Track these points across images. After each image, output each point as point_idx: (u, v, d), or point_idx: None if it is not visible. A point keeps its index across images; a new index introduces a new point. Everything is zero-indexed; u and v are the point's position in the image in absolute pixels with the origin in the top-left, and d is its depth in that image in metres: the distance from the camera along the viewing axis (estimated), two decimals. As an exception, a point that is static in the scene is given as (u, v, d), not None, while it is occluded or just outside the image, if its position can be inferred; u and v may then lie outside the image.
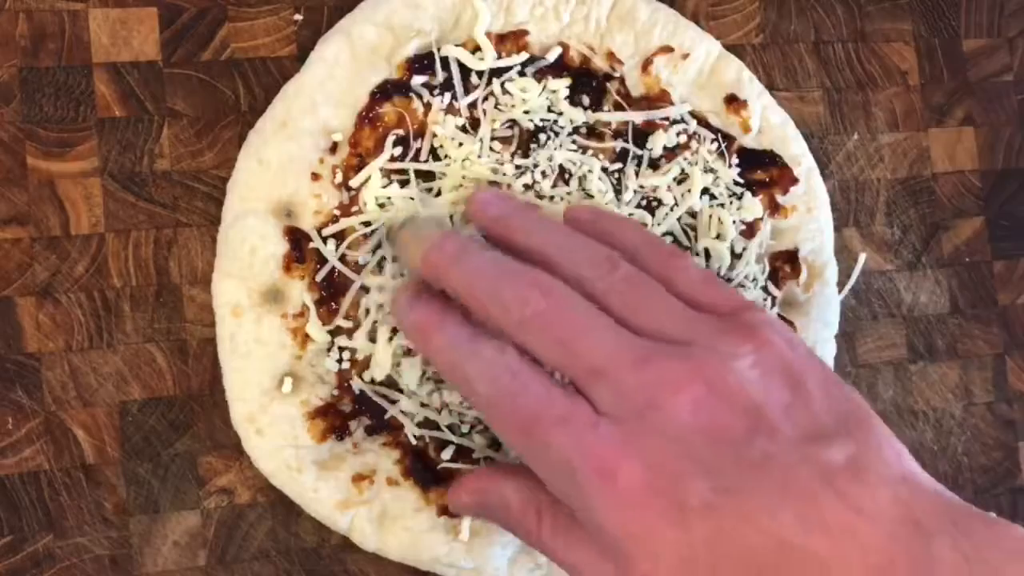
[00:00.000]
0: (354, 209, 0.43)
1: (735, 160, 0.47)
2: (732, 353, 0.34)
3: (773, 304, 0.47)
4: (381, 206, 0.43)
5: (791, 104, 0.50)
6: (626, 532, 0.32)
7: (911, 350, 0.52)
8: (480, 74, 0.44)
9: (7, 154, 0.42)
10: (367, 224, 0.42)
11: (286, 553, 0.43)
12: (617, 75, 0.46)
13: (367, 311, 0.42)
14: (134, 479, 0.42)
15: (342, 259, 0.42)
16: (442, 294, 0.38)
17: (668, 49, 0.47)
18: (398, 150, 0.43)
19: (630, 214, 0.45)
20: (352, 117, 0.43)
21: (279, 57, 0.45)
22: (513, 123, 0.45)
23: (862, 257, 0.50)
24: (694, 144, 0.46)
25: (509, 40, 0.45)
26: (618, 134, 0.46)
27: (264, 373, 0.42)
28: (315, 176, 0.42)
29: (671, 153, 0.46)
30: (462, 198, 0.43)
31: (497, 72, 0.44)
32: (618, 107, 0.46)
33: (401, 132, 0.43)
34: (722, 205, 0.46)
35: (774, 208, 0.48)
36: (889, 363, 0.51)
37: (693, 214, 0.46)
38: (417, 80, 0.44)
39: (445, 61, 0.44)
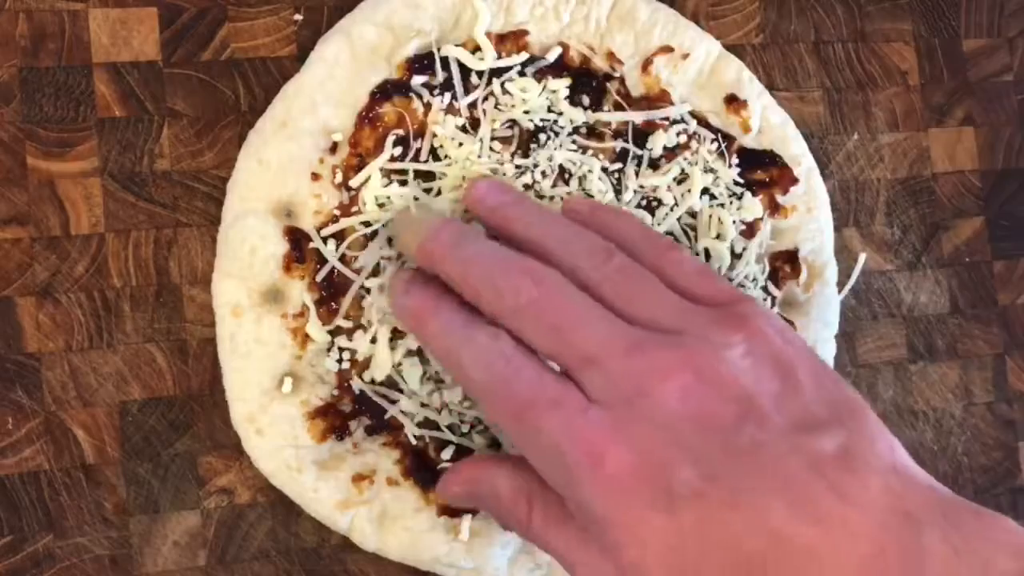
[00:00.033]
0: (354, 209, 0.43)
1: (735, 160, 0.47)
2: (723, 343, 0.34)
3: (773, 304, 0.47)
4: (381, 206, 0.43)
5: (791, 104, 0.50)
6: (614, 519, 0.32)
7: (911, 350, 0.52)
8: (480, 74, 0.44)
9: (7, 154, 0.42)
10: (367, 224, 0.42)
11: (286, 553, 0.43)
12: (617, 75, 0.46)
13: (367, 312, 0.42)
14: (134, 479, 0.42)
15: (342, 259, 0.42)
16: (438, 280, 0.38)
17: (668, 49, 0.47)
18: (398, 150, 0.43)
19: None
20: (352, 117, 0.43)
21: (279, 57, 0.45)
22: (513, 123, 0.45)
23: (862, 257, 0.50)
24: (694, 144, 0.46)
25: (509, 40, 0.45)
26: (618, 134, 0.46)
27: (264, 373, 0.42)
28: (315, 176, 0.42)
29: (671, 153, 0.46)
30: (460, 197, 0.43)
31: (497, 72, 0.44)
32: (618, 107, 0.46)
33: (401, 132, 0.43)
34: (722, 205, 0.46)
35: (774, 208, 0.48)
36: (889, 363, 0.51)
37: (693, 214, 0.46)
38: (417, 80, 0.44)
39: (445, 61, 0.44)
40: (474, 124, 0.44)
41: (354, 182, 0.43)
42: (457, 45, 0.44)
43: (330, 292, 0.42)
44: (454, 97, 0.44)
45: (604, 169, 0.45)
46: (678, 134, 0.46)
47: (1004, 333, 0.53)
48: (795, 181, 0.48)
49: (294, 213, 0.43)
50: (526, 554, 0.43)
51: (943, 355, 0.52)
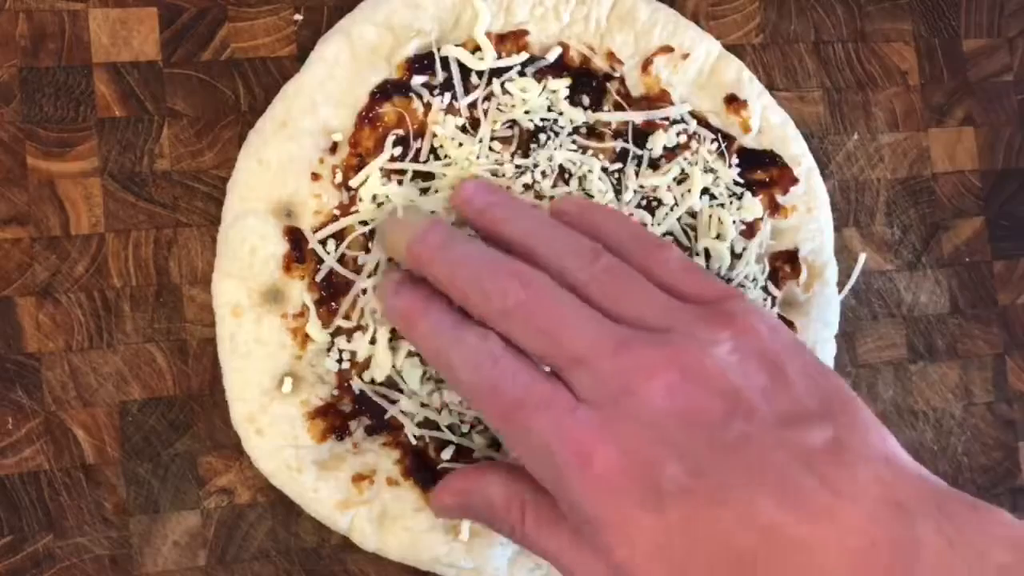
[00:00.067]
0: (354, 209, 0.43)
1: (735, 160, 0.47)
2: (710, 339, 0.34)
3: (773, 304, 0.47)
4: (380, 205, 0.43)
5: (791, 104, 0.50)
6: (603, 518, 0.32)
7: (911, 350, 0.52)
8: (480, 74, 0.44)
9: (7, 154, 0.42)
10: (365, 223, 0.42)
11: (286, 553, 0.43)
12: (617, 75, 0.46)
13: (366, 312, 0.42)
14: (134, 479, 0.42)
15: (342, 258, 0.42)
16: (427, 281, 0.38)
17: (668, 49, 0.47)
18: (398, 150, 0.43)
19: (630, 214, 0.45)
20: (352, 117, 0.43)
21: (279, 57, 0.45)
22: (513, 123, 0.45)
23: (862, 257, 0.50)
24: (694, 144, 0.46)
25: (509, 40, 0.45)
26: (618, 134, 0.46)
27: (264, 373, 0.42)
28: (315, 176, 0.42)
29: (671, 153, 0.46)
30: (461, 198, 0.43)
31: (497, 72, 0.44)
32: (618, 107, 0.46)
33: (401, 132, 0.43)
34: (722, 205, 0.46)
35: (774, 208, 0.48)
36: (889, 363, 0.51)
37: (693, 214, 0.46)
38: (417, 80, 0.44)
39: (445, 61, 0.44)
40: (474, 124, 0.44)
41: (354, 182, 0.43)
42: (457, 45, 0.44)
43: (330, 292, 0.42)
44: (454, 97, 0.44)
45: (604, 169, 0.45)
46: (678, 134, 0.46)
47: (1004, 333, 0.53)
48: (795, 181, 0.48)
49: (294, 213, 0.43)
50: (526, 555, 0.43)
51: (943, 355, 0.52)
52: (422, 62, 0.44)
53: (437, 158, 0.44)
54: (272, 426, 0.41)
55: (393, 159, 0.43)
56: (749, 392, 0.33)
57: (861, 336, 0.51)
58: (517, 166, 0.44)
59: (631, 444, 0.32)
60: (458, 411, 0.43)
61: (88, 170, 0.42)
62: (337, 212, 0.43)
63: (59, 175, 0.42)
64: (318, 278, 0.42)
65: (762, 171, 0.48)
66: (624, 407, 0.33)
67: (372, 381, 0.43)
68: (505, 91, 0.44)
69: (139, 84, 0.43)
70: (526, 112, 0.44)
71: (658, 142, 0.46)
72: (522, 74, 0.45)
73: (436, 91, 0.44)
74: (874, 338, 0.51)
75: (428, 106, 0.44)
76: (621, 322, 0.35)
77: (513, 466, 0.36)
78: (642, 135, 0.46)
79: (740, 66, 0.48)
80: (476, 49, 0.44)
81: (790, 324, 0.47)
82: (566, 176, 0.45)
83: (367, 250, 0.43)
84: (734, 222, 0.46)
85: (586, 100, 0.46)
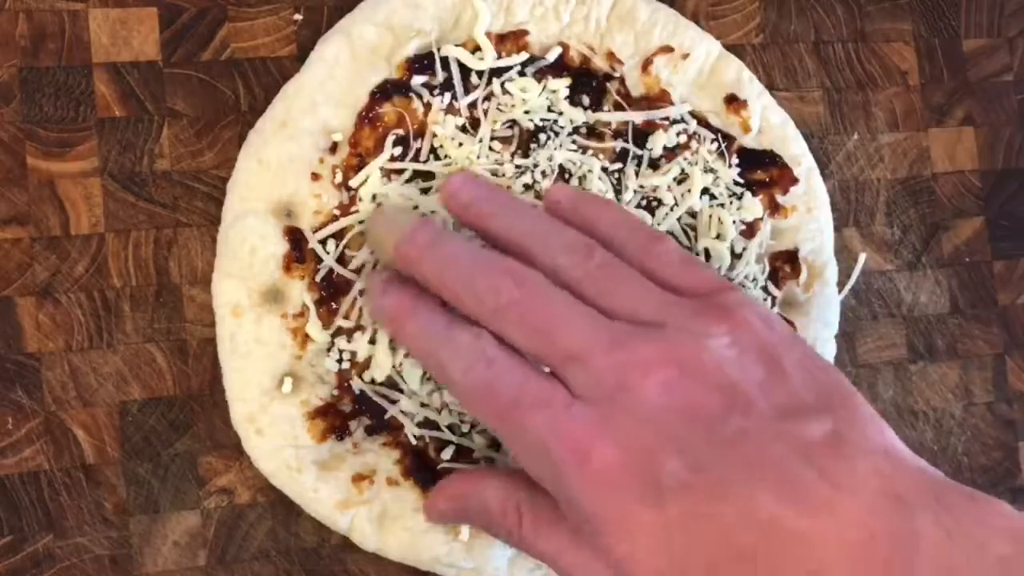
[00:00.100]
0: (354, 209, 0.43)
1: (735, 160, 0.47)
2: (706, 333, 0.34)
3: (773, 304, 0.47)
4: (380, 205, 0.43)
5: (791, 104, 0.50)
6: (602, 515, 0.32)
7: (911, 350, 0.52)
8: (480, 74, 0.44)
9: (7, 154, 0.42)
10: (363, 223, 0.42)
11: (286, 553, 0.43)
12: (617, 75, 0.46)
13: (365, 312, 0.42)
14: (134, 479, 0.42)
15: (342, 258, 0.42)
16: (416, 280, 0.38)
17: (668, 49, 0.47)
18: (398, 150, 0.43)
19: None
20: (352, 117, 0.43)
21: (279, 57, 0.45)
22: (513, 123, 0.45)
23: (862, 257, 0.50)
24: (694, 144, 0.46)
25: (509, 40, 0.45)
26: (618, 134, 0.46)
27: (264, 373, 0.42)
28: (315, 176, 0.42)
29: (671, 153, 0.46)
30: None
31: (497, 72, 0.44)
32: (618, 107, 0.46)
33: (401, 132, 0.43)
34: (722, 205, 0.46)
35: (774, 208, 0.48)
36: (889, 363, 0.51)
37: (693, 214, 0.46)
38: (417, 80, 0.44)
39: (445, 61, 0.44)
40: (474, 124, 0.44)
41: (354, 182, 0.43)
42: (457, 45, 0.44)
43: (330, 292, 0.42)
44: (454, 97, 0.44)
45: (604, 169, 0.45)
46: (678, 134, 0.46)
47: (1004, 333, 0.53)
48: (795, 181, 0.48)
49: (294, 213, 0.43)
50: (525, 555, 0.43)
51: (943, 355, 0.52)
52: (422, 62, 0.44)
53: (437, 158, 0.44)
54: (272, 426, 0.41)
55: (393, 159, 0.43)
56: (746, 385, 0.33)
57: (861, 336, 0.51)
58: (517, 166, 0.44)
59: (629, 440, 0.32)
60: (458, 411, 0.43)
61: (88, 170, 0.42)
62: (337, 212, 0.43)
63: (59, 175, 0.42)
64: (318, 278, 0.42)
65: (762, 171, 0.48)
66: (621, 403, 0.33)
67: (372, 381, 0.43)
68: (505, 91, 0.44)
69: (139, 84, 0.43)
70: (526, 112, 0.44)
71: (658, 142, 0.46)
72: (522, 74, 0.45)
73: (436, 91, 0.44)
74: (874, 338, 0.51)
75: (428, 106, 0.44)
76: (616, 318, 0.35)
77: (509, 470, 0.36)
78: (642, 135, 0.46)
79: (740, 66, 0.48)
80: (476, 49, 0.44)
81: (790, 324, 0.47)
82: (566, 176, 0.45)
83: (368, 251, 0.43)
84: (734, 222, 0.46)
85: (586, 100, 0.46)
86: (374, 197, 0.43)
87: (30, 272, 0.41)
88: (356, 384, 0.42)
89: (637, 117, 0.46)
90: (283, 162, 0.42)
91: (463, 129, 0.44)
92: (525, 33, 0.45)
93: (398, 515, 0.42)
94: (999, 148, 0.54)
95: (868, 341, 0.51)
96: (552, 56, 0.45)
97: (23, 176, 0.42)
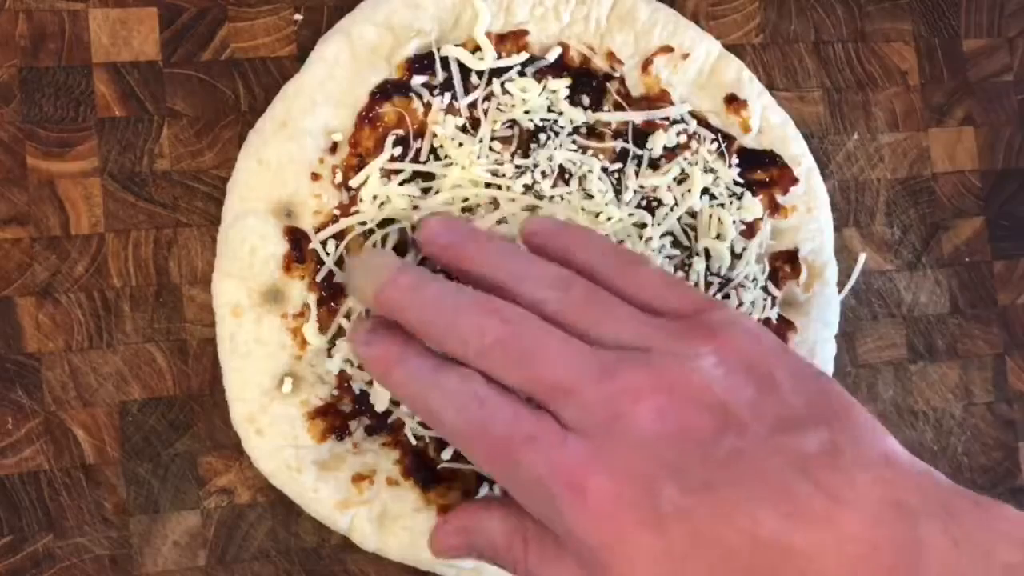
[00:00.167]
0: (354, 209, 0.43)
1: (735, 160, 0.47)
2: (693, 354, 0.34)
3: (773, 304, 0.47)
4: (381, 205, 0.43)
5: (791, 104, 0.50)
6: (604, 545, 0.32)
7: (911, 350, 0.52)
8: (480, 74, 0.44)
9: (7, 154, 0.42)
10: (365, 224, 0.42)
11: (286, 553, 0.43)
12: (617, 75, 0.46)
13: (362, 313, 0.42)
14: (134, 479, 0.42)
15: (341, 258, 0.42)
16: (400, 325, 0.37)
17: (668, 49, 0.47)
18: (398, 150, 0.43)
19: (630, 214, 0.45)
20: (352, 117, 0.43)
21: (279, 57, 0.45)
22: (513, 123, 0.45)
23: (862, 257, 0.50)
24: (694, 144, 0.46)
25: (509, 40, 0.45)
26: (618, 134, 0.46)
27: (264, 373, 0.42)
28: (315, 176, 0.42)
29: (671, 153, 0.46)
30: (459, 197, 0.43)
31: (497, 72, 0.44)
32: (618, 107, 0.46)
33: (401, 132, 0.43)
34: (722, 205, 0.46)
35: (774, 208, 0.48)
36: (889, 363, 0.51)
37: (693, 214, 0.46)
38: (417, 80, 0.44)
39: (445, 61, 0.44)
40: (474, 124, 0.44)
41: (354, 182, 0.43)
42: (457, 45, 0.44)
43: (330, 292, 0.42)
44: (454, 97, 0.44)
45: (604, 169, 0.45)
46: (678, 134, 0.46)
47: (1004, 333, 0.53)
48: (795, 181, 0.48)
49: (294, 213, 0.43)
50: (526, 554, 0.43)
51: (943, 355, 0.52)
52: (422, 62, 0.44)
53: (437, 158, 0.44)
54: (272, 426, 0.41)
55: (393, 159, 0.43)
56: (738, 404, 0.33)
57: (861, 336, 0.51)
58: (517, 166, 0.44)
59: (624, 469, 0.32)
60: (458, 411, 0.43)
61: (88, 170, 0.42)
62: (337, 212, 0.43)
63: (59, 175, 0.42)
64: (318, 278, 0.42)
65: (762, 171, 0.48)
66: (614, 433, 0.32)
67: (372, 381, 0.43)
68: (505, 91, 0.44)
69: (139, 84, 0.43)
70: (526, 112, 0.44)
71: (658, 142, 0.46)
72: (522, 74, 0.45)
73: (436, 91, 0.44)
74: (874, 338, 0.51)
75: (428, 106, 0.44)
76: (601, 346, 0.35)
77: (513, 500, 0.36)
78: (642, 135, 0.46)
79: (740, 66, 0.48)
80: (476, 49, 0.44)
81: (790, 324, 0.47)
82: (566, 176, 0.45)
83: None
84: (734, 222, 0.46)
85: (586, 100, 0.46)
86: (374, 198, 0.43)
87: (30, 272, 0.41)
88: (356, 384, 0.42)
89: (637, 117, 0.46)
90: (283, 162, 0.42)
91: (463, 129, 0.44)
92: (525, 33, 0.45)
93: (398, 515, 0.42)
94: (999, 148, 0.54)
95: (868, 341, 0.51)
96: (552, 56, 0.45)
97: (23, 176, 0.42)
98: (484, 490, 0.43)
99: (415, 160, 0.43)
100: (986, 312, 0.53)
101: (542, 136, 0.45)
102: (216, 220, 0.43)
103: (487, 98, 0.44)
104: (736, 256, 0.46)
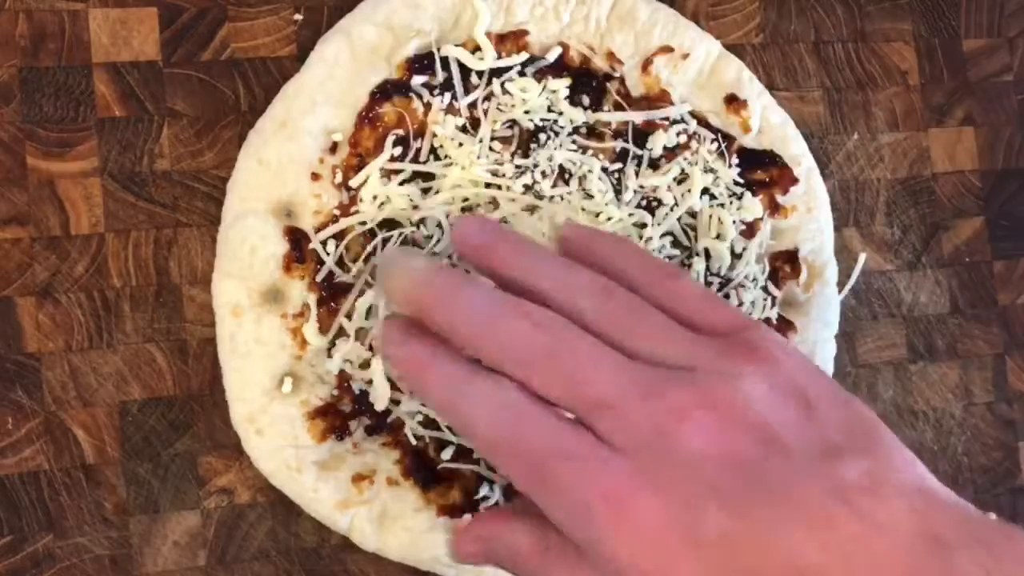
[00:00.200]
0: (354, 209, 0.43)
1: (735, 160, 0.47)
2: (736, 374, 0.33)
3: (773, 304, 0.47)
4: (381, 205, 0.43)
5: (791, 104, 0.50)
6: (642, 568, 0.31)
7: (911, 350, 0.52)
8: (480, 74, 0.44)
9: (7, 154, 0.42)
10: (365, 224, 0.42)
11: (286, 553, 0.43)
12: (617, 75, 0.46)
13: (367, 337, 0.42)
14: (134, 479, 0.42)
15: (342, 257, 0.42)
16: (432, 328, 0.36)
17: (668, 49, 0.47)
18: (398, 150, 0.43)
19: (630, 214, 0.45)
20: (352, 117, 0.43)
21: (279, 57, 0.45)
22: (513, 123, 0.45)
23: (862, 257, 0.50)
24: (694, 144, 0.46)
25: (509, 40, 0.45)
26: (618, 134, 0.46)
27: (264, 373, 0.42)
28: (315, 176, 0.42)
29: (671, 153, 0.46)
30: (459, 197, 0.43)
31: (497, 72, 0.44)
32: (618, 107, 0.46)
33: (401, 132, 0.43)
34: (722, 205, 0.46)
35: (774, 208, 0.48)
36: (889, 363, 0.51)
37: (693, 214, 0.46)
38: (417, 80, 0.44)
39: (445, 61, 0.44)
40: (474, 124, 0.44)
41: (354, 182, 0.43)
42: (457, 45, 0.44)
43: (330, 292, 0.42)
44: (454, 97, 0.44)
45: (604, 169, 0.45)
46: (678, 134, 0.46)
47: (1004, 333, 0.53)
48: (795, 181, 0.48)
49: (294, 213, 0.43)
50: (526, 554, 0.43)
51: (943, 355, 0.52)
52: (422, 62, 0.44)
53: (437, 158, 0.44)
54: (272, 426, 0.41)
55: (393, 159, 0.43)
56: (782, 427, 0.32)
57: (861, 336, 0.51)
58: (517, 166, 0.44)
59: (668, 489, 0.31)
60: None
61: (88, 170, 0.42)
62: (337, 212, 0.43)
63: (59, 175, 0.42)
64: (318, 278, 0.42)
65: (762, 171, 0.48)
66: (658, 452, 0.31)
67: (372, 381, 0.42)
68: (505, 91, 0.44)
69: (139, 84, 0.43)
70: (526, 112, 0.44)
71: (658, 142, 0.46)
72: (522, 74, 0.45)
73: (436, 91, 0.44)
74: (874, 338, 0.51)
75: (428, 106, 0.44)
76: (640, 359, 0.34)
77: (534, 509, 0.35)
78: (642, 135, 0.46)
79: (740, 66, 0.48)
80: (476, 49, 0.44)
81: (790, 324, 0.47)
82: (566, 176, 0.45)
83: (368, 258, 0.43)
84: (734, 222, 0.46)
85: (586, 100, 0.46)
86: (375, 198, 0.43)
87: (30, 272, 0.41)
88: (356, 384, 0.42)
89: (637, 117, 0.46)
90: (283, 162, 0.42)
91: (463, 129, 0.44)
92: (525, 33, 0.45)
93: (398, 515, 0.42)
94: (999, 148, 0.54)
95: (868, 341, 0.51)
96: (552, 56, 0.45)
97: (23, 176, 0.42)
98: (484, 490, 0.43)
99: (415, 160, 0.43)
100: (986, 312, 0.53)
101: (542, 136, 0.45)
102: (216, 220, 0.43)
103: (487, 98, 0.44)
104: (736, 256, 0.46)
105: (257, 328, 0.42)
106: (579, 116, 0.45)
